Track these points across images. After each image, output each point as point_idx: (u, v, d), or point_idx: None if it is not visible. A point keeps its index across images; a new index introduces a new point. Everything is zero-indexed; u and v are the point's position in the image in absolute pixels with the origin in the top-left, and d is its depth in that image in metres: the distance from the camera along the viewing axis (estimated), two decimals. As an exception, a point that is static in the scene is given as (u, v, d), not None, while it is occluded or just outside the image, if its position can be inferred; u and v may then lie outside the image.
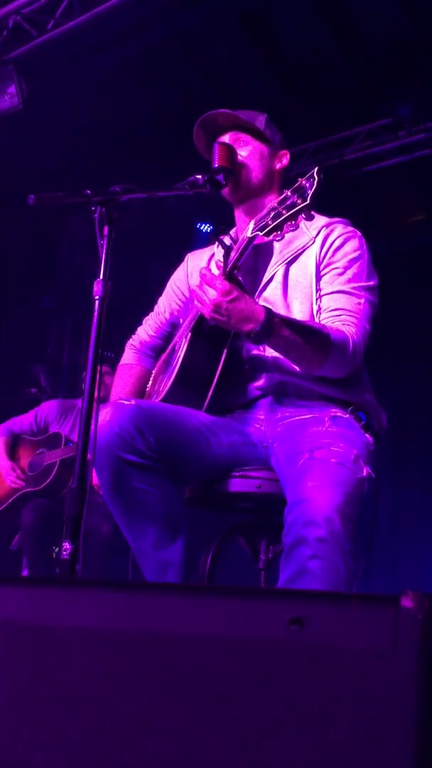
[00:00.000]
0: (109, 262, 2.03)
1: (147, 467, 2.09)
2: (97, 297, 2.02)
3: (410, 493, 5.68)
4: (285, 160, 2.49)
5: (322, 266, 2.31)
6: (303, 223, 2.25)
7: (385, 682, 0.76)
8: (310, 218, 2.04)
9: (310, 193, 2.01)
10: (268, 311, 2.04)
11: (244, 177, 2.40)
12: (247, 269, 2.39)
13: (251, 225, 2.10)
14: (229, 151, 2.38)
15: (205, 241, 6.51)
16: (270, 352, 2.26)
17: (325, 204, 2.70)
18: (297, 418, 2.23)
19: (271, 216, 2.04)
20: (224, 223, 2.65)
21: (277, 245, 2.37)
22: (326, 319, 2.23)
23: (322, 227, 2.37)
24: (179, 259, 2.74)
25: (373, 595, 0.82)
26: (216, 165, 2.35)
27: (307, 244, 2.35)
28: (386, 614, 0.79)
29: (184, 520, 2.17)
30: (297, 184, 2.06)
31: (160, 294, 2.76)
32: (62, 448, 4.55)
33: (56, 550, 4.64)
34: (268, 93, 5.25)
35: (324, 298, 2.27)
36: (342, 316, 2.21)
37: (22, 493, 4.61)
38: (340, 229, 2.36)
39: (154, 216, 6.28)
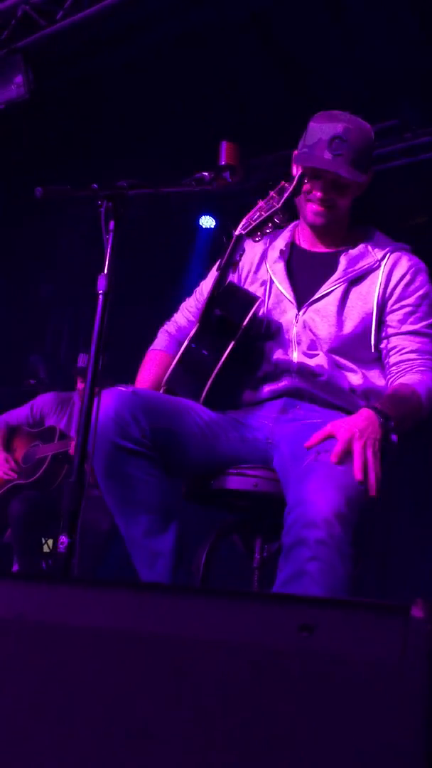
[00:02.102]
0: (114, 256, 2.04)
1: (142, 454, 2.09)
2: (100, 291, 2.03)
3: (404, 496, 5.68)
4: (364, 187, 2.42)
5: (391, 300, 2.32)
6: (368, 245, 2.39)
7: (393, 693, 0.75)
8: (283, 222, 2.17)
9: (285, 197, 2.09)
10: (373, 409, 2.05)
11: (336, 216, 2.37)
12: (303, 276, 2.41)
13: (242, 222, 2.20)
14: (237, 150, 2.38)
15: (207, 237, 6.52)
16: (297, 359, 2.29)
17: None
18: (308, 421, 2.25)
19: (255, 216, 2.10)
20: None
21: (342, 260, 2.36)
22: (403, 363, 2.28)
23: (387, 253, 2.37)
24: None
25: (383, 604, 0.81)
26: (223, 162, 2.35)
27: (372, 266, 2.35)
28: (396, 624, 0.78)
29: (177, 512, 2.18)
30: (279, 186, 2.13)
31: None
32: (55, 443, 4.56)
33: (46, 542, 4.66)
34: (273, 94, 5.23)
35: (397, 337, 2.31)
36: (418, 361, 2.27)
37: (14, 484, 4.62)
38: (406, 262, 2.37)
39: (155, 211, 6.27)
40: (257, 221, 2.20)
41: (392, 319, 2.31)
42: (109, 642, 0.92)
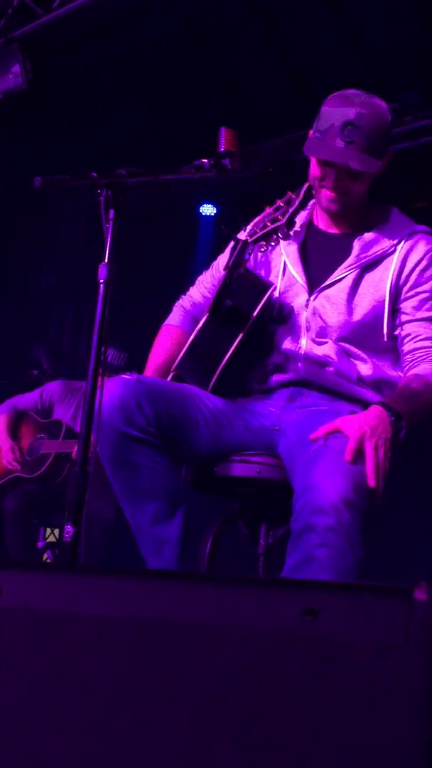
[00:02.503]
0: (115, 245, 2.04)
1: (147, 442, 2.10)
2: (101, 280, 2.03)
3: (403, 494, 5.66)
4: (382, 170, 2.31)
5: (406, 287, 2.28)
6: (384, 228, 2.33)
7: (397, 675, 0.76)
8: (286, 237, 2.14)
9: (290, 212, 2.05)
10: (384, 406, 2.03)
11: (351, 201, 2.31)
12: (317, 259, 2.37)
13: (248, 227, 2.18)
14: (236, 136, 2.36)
15: (208, 225, 6.51)
16: (306, 348, 2.28)
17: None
18: (316, 408, 2.25)
19: (261, 226, 2.08)
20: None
21: (356, 245, 2.31)
22: (418, 351, 2.24)
23: (404, 237, 2.31)
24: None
25: (386, 587, 0.81)
26: (222, 149, 2.33)
27: (387, 251, 2.29)
28: (399, 606, 0.79)
29: (183, 499, 2.19)
30: (287, 197, 2.10)
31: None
32: (60, 441, 4.55)
33: (52, 532, 4.66)
34: (273, 80, 5.20)
35: (412, 324, 2.26)
36: None
37: (15, 476, 4.62)
38: (423, 247, 2.31)
39: (156, 200, 6.26)
40: (263, 232, 2.17)
41: (407, 305, 2.27)
42: (115, 629, 0.93)
